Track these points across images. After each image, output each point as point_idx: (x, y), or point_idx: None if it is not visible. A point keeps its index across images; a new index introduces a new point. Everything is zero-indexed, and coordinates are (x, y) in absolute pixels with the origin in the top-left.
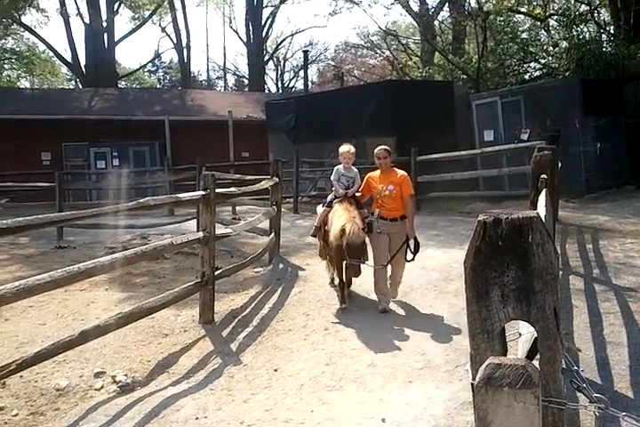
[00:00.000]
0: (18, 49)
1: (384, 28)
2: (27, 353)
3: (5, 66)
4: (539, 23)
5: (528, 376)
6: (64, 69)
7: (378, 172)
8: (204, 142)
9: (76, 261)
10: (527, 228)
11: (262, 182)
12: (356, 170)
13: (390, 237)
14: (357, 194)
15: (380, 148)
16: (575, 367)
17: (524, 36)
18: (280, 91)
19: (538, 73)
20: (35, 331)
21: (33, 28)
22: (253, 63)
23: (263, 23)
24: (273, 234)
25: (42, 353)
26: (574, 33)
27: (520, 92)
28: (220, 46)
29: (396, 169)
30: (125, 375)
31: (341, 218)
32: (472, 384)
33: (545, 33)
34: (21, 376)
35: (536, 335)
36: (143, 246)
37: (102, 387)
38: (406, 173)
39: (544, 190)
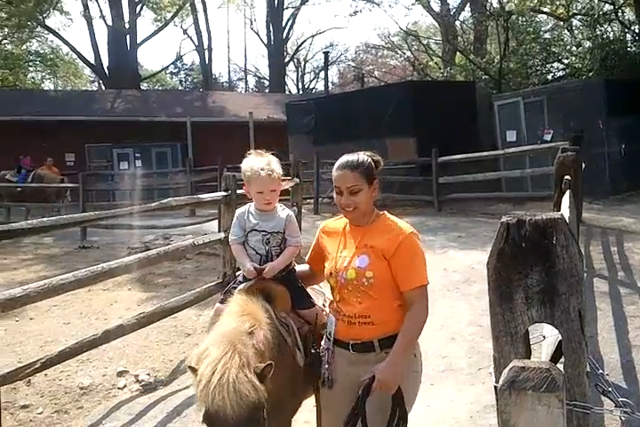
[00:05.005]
0: (42, 51)
1: (405, 29)
2: (51, 352)
3: (30, 68)
4: (562, 23)
5: (552, 380)
6: (87, 71)
7: (341, 221)
8: (226, 143)
9: (100, 261)
10: (551, 229)
11: (283, 183)
12: (288, 212)
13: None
14: (301, 267)
15: (340, 162)
16: (600, 371)
17: (547, 36)
18: (300, 92)
19: (561, 73)
20: (59, 330)
21: (57, 30)
22: (274, 64)
23: (284, 25)
24: None
25: (66, 352)
26: (598, 33)
27: (543, 93)
28: (240, 48)
29: (388, 218)
30: (148, 375)
31: (210, 337)
32: (495, 387)
33: (568, 33)
34: (46, 375)
35: (560, 338)
36: (165, 247)
37: (125, 386)
38: (412, 231)
39: (568, 192)
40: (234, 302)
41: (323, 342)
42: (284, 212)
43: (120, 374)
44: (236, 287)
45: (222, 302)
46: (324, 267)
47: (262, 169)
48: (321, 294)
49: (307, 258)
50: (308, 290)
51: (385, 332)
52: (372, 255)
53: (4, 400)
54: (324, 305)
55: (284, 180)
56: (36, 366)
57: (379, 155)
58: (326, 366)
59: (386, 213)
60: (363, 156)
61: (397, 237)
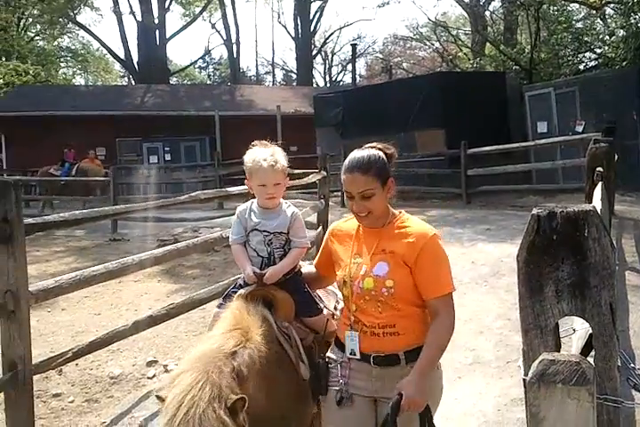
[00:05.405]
0: (73, 47)
1: (433, 20)
2: (82, 342)
3: (62, 64)
4: (594, 12)
5: (582, 373)
6: (117, 66)
7: (352, 222)
8: (253, 137)
9: (130, 253)
10: (583, 222)
11: (310, 176)
12: (293, 210)
13: (378, 415)
14: (308, 269)
15: (349, 163)
16: (632, 365)
17: (579, 25)
18: (328, 85)
19: (593, 63)
20: (90, 320)
21: (87, 26)
22: (301, 58)
23: (311, 17)
24: (320, 228)
25: (97, 342)
26: (632, 21)
27: (575, 83)
28: (268, 41)
29: (407, 218)
30: (177, 365)
31: (187, 360)
32: (524, 380)
33: (601, 22)
34: (77, 364)
35: (591, 332)
36: (194, 239)
37: (155, 375)
38: (434, 234)
39: (600, 184)
40: (228, 312)
41: (333, 355)
42: (289, 209)
43: (150, 364)
44: (235, 292)
45: (220, 306)
46: (333, 272)
47: (265, 160)
48: (333, 295)
49: (314, 262)
50: (319, 290)
51: (410, 344)
52: (391, 262)
53: (36, 389)
54: (335, 308)
55: (303, 174)
56: (68, 355)
57: (407, 147)
58: (341, 380)
59: (403, 212)
60: (373, 152)
61: (419, 241)
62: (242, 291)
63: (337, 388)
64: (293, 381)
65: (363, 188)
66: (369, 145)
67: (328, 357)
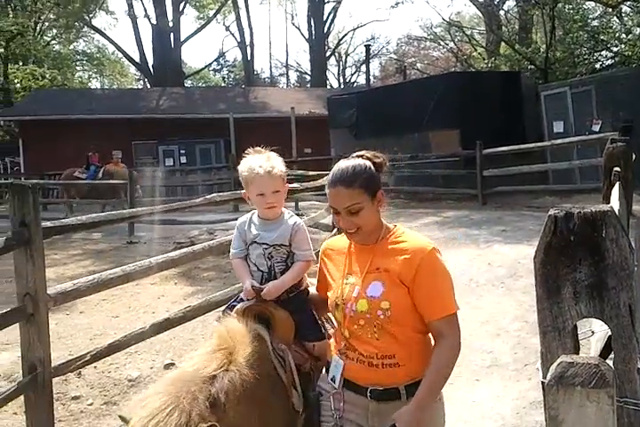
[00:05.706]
0: (89, 51)
1: (447, 20)
2: (100, 345)
3: (77, 67)
4: (610, 10)
5: (601, 375)
6: (132, 70)
7: (344, 239)
8: (268, 139)
9: (147, 256)
10: (600, 222)
11: (325, 178)
12: (295, 220)
13: None
14: (313, 288)
15: (332, 176)
16: None
17: (595, 23)
18: (342, 86)
19: (610, 62)
20: (108, 323)
21: (103, 30)
22: (315, 59)
23: (325, 19)
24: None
25: (115, 345)
26: None
27: (591, 82)
28: (282, 43)
29: (402, 233)
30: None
31: (161, 382)
32: (542, 383)
33: (617, 20)
34: (95, 367)
35: (610, 334)
36: (210, 242)
37: None
38: (432, 248)
39: (617, 184)
40: (218, 330)
41: (325, 385)
42: (291, 220)
43: (167, 366)
44: (234, 306)
45: (219, 320)
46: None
47: (260, 166)
48: None
49: (316, 285)
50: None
51: (412, 376)
52: (387, 281)
53: (56, 391)
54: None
55: (317, 176)
56: (86, 358)
57: (422, 148)
58: (335, 415)
59: (398, 225)
60: (359, 162)
61: (416, 257)
62: (239, 306)
63: (331, 423)
64: (286, 409)
65: (348, 202)
66: (356, 154)
67: (319, 386)
